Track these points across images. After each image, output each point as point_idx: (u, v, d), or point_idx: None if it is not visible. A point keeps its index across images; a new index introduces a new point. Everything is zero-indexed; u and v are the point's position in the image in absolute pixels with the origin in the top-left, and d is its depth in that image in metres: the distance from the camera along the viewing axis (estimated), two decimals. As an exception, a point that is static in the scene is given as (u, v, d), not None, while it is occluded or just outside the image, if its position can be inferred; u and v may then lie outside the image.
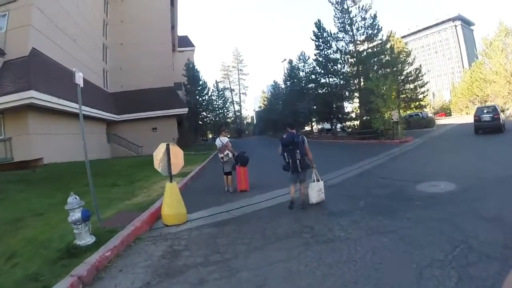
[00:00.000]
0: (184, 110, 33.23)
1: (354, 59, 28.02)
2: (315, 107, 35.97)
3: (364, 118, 26.49)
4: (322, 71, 31.82)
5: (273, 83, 66.11)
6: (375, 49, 26.93)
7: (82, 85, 5.89)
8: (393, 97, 23.05)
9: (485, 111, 19.37)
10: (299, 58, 44.79)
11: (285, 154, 6.31)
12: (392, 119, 21.47)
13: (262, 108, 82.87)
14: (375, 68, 26.80)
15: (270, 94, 70.29)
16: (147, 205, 7.30)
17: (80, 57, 25.44)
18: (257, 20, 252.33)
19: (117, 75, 33.57)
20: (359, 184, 8.73)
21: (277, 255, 4.15)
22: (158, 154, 6.22)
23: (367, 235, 4.57)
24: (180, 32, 55.48)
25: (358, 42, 28.01)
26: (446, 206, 5.67)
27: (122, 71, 33.53)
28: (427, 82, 37.93)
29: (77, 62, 22.91)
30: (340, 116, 32.83)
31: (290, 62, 47.80)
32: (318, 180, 6.58)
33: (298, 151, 6.16)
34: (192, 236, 5.38)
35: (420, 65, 38.68)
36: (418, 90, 37.08)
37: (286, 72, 49.35)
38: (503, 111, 36.73)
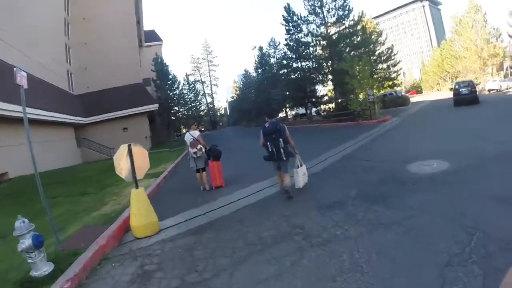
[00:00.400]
0: (155, 106, 31.94)
1: (326, 41, 27.47)
2: (288, 92, 35.28)
3: (339, 100, 26.15)
4: (294, 56, 31.17)
5: (244, 72, 65.11)
6: (347, 30, 26.39)
7: (26, 86, 4.96)
8: (367, 77, 22.69)
9: (462, 86, 21.23)
10: (269, 44, 44.05)
11: (268, 143, 6.09)
12: (369, 99, 21.14)
13: (235, 98, 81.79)
14: (347, 49, 26.38)
15: (241, 83, 69.22)
16: (116, 215, 6.49)
17: (41, 60, 23.98)
18: (225, 9, 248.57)
19: (82, 76, 31.85)
20: (345, 170, 8.11)
21: (266, 269, 3.46)
22: (119, 158, 5.40)
23: (367, 231, 3.96)
24: (147, 26, 53.74)
25: (329, 24, 27.41)
26: (446, 187, 5.16)
27: (87, 71, 31.81)
28: (399, 61, 37.97)
29: (37, 65, 21.57)
30: (314, 100, 32.38)
31: (261, 49, 46.99)
32: (301, 165, 6.47)
33: (281, 139, 5.98)
34: (166, 250, 4.62)
35: (392, 45, 38.73)
36: (391, 69, 37.22)
37: (256, 60, 48.43)
38: (476, 85, 38.86)
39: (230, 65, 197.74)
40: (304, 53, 29.93)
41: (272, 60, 44.17)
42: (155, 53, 47.10)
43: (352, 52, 26.09)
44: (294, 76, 32.91)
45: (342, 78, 23.21)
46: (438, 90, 68.84)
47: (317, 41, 28.44)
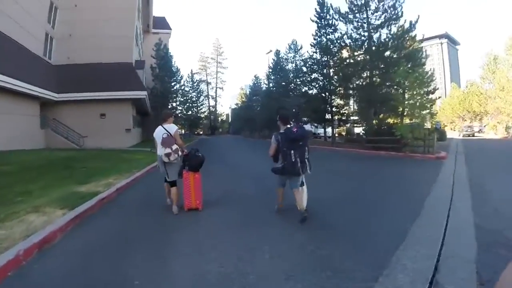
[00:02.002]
0: (142, 94, 25.83)
1: (366, 45, 22.13)
2: (306, 104, 29.28)
3: (375, 122, 20.86)
4: (325, 58, 25.67)
5: (254, 78, 60.17)
6: (396, 35, 20.96)
7: None
8: (421, 96, 17.69)
9: None
10: (290, 47, 38.26)
11: (293, 152, 4.87)
12: (436, 127, 16.22)
13: (240, 105, 76.71)
14: (392, 59, 21.01)
15: (250, 90, 64.11)
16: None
17: (12, 12, 18.77)
18: (242, 13, 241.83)
19: (65, 44, 26.31)
20: None
21: None
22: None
23: None
24: (157, 12, 49.13)
25: (373, 27, 22.04)
26: None
27: (71, 39, 26.30)
28: (437, 88, 32.63)
29: (5, 17, 16.46)
30: (341, 117, 26.81)
31: (277, 53, 41.59)
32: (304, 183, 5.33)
33: (307, 148, 5.01)
34: None
35: (433, 69, 33.58)
36: (430, 96, 31.79)
37: (271, 65, 43.01)
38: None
39: (238, 73, 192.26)
40: (335, 56, 24.55)
41: (290, 66, 38.53)
42: (159, 39, 41.96)
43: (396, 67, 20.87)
44: (318, 85, 27.36)
45: (387, 94, 18.10)
46: (452, 129, 64.67)
47: (359, 44, 22.89)
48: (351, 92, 24.49)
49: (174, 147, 5.58)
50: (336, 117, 27.22)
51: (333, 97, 26.24)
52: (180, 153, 5.73)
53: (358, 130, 30.58)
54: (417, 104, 17.48)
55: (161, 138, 5.62)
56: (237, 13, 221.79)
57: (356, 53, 23.49)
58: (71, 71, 25.14)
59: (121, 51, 26.99)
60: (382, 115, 21.95)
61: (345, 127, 34.06)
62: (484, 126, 52.67)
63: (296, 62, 37.03)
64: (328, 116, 27.43)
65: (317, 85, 27.68)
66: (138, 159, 14.54)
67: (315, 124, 31.80)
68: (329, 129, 31.08)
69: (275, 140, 5.20)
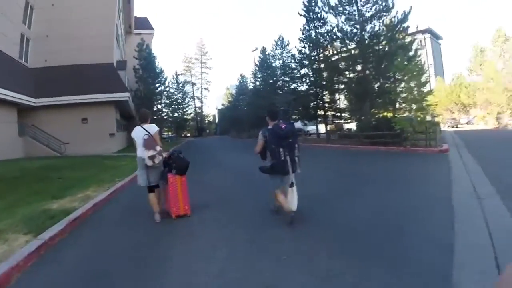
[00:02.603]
0: (125, 96, 24.51)
1: (357, 37, 21.34)
2: (296, 100, 28.36)
3: (371, 116, 20.22)
4: (314, 53, 24.87)
5: (240, 77, 59.32)
6: (390, 26, 20.22)
7: None
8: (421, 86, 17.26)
9: None
10: (277, 44, 37.16)
11: (282, 149, 4.56)
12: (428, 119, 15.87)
13: (226, 105, 75.56)
14: (385, 50, 20.28)
15: (236, 89, 63.20)
16: None
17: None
18: (225, 12, 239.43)
19: (41, 45, 24.81)
20: None
21: None
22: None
23: None
24: (139, 13, 48.08)
25: (364, 19, 21.17)
26: None
27: (49, 40, 24.82)
28: (428, 81, 32.20)
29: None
30: (334, 113, 26.00)
31: (264, 50, 40.71)
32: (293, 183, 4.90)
33: (297, 145, 4.70)
34: None
35: (424, 61, 33.09)
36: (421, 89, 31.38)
37: (257, 63, 42.14)
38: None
39: (223, 73, 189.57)
40: (326, 50, 23.74)
41: (277, 63, 37.59)
42: (141, 39, 40.69)
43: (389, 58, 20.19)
44: (309, 81, 26.50)
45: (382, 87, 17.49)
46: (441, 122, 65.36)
47: (350, 36, 22.02)
48: (343, 86, 23.65)
49: (158, 148, 5.04)
50: (329, 113, 26.43)
51: (324, 93, 25.48)
52: (164, 154, 5.24)
53: (348, 126, 30.07)
54: (416, 96, 16.89)
55: (141, 139, 5.05)
56: (220, 11, 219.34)
57: (348, 47, 22.62)
58: (49, 74, 23.76)
59: (102, 51, 25.65)
60: (376, 109, 21.30)
61: (336, 123, 33.30)
62: (473, 117, 53.08)
63: (283, 59, 36.25)
64: (320, 112, 26.63)
65: (307, 81, 26.93)
66: (122, 166, 13.50)
67: (306, 122, 30.97)
68: (319, 126, 30.48)
69: (262, 137, 4.95)
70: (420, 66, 18.55)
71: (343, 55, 23.34)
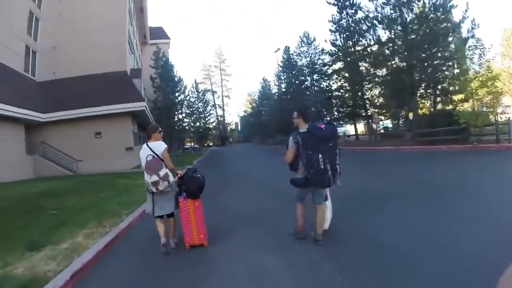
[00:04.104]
0: (141, 105, 22.16)
1: (400, 20, 18.26)
2: (331, 99, 25.37)
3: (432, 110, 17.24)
4: (350, 43, 21.91)
5: (262, 81, 56.86)
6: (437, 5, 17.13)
7: None
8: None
9: None
10: (302, 40, 34.38)
11: (321, 155, 3.71)
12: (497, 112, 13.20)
13: (249, 112, 73.36)
14: (435, 33, 17.18)
15: (259, 94, 60.98)
16: None
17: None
18: (241, 16, 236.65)
19: (49, 57, 22.98)
20: None
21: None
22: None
23: None
24: (154, 23, 47.06)
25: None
26: None
27: (56, 52, 23.00)
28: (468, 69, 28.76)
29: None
30: (379, 110, 22.79)
31: (287, 49, 38.03)
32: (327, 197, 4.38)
33: (338, 151, 3.89)
34: None
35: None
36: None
37: (280, 64, 39.59)
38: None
39: (244, 79, 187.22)
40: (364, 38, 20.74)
41: (304, 61, 34.67)
42: (157, 47, 38.91)
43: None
44: (343, 76, 23.55)
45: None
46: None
47: (387, 22, 18.90)
48: (384, 79, 20.47)
49: (163, 172, 4.15)
50: (374, 110, 23.14)
51: (366, 87, 22.37)
52: (171, 179, 4.32)
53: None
54: (483, 78, 14.05)
55: (146, 161, 4.28)
56: (236, 16, 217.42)
57: (391, 32, 19.48)
58: (59, 86, 21.77)
59: (114, 59, 23.54)
60: (427, 102, 18.26)
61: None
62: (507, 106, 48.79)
63: (310, 56, 33.35)
64: (360, 111, 23.46)
65: (341, 77, 23.94)
66: (137, 187, 10.89)
67: (341, 122, 27.95)
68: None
69: (294, 143, 4.04)
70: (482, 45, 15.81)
71: (386, 41, 20.21)
